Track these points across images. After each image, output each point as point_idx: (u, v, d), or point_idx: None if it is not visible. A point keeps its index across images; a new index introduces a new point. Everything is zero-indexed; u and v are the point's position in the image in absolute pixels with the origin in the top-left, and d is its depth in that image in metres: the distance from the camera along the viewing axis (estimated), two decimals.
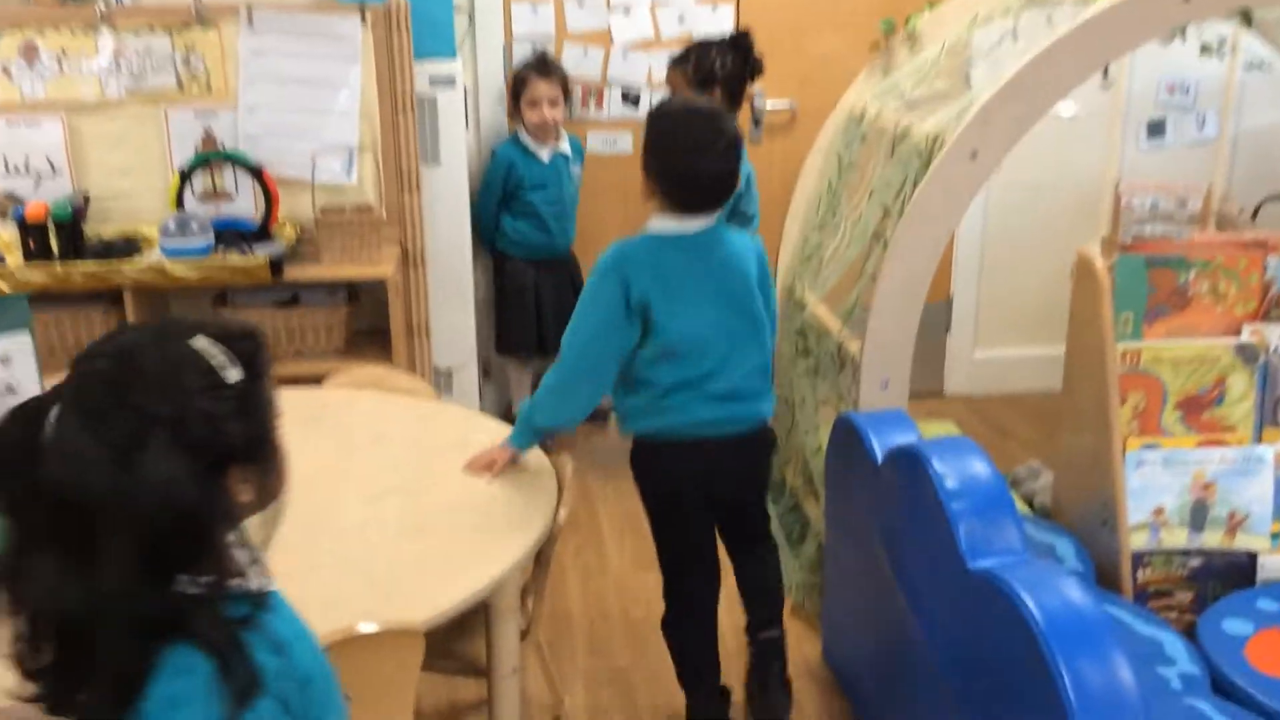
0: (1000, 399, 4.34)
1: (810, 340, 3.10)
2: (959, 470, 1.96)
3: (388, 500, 2.10)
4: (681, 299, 2.22)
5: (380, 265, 3.42)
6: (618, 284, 2.19)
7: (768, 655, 2.53)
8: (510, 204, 3.83)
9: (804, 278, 3.29)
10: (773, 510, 3.24)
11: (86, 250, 3.27)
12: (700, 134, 2.21)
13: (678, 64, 3.37)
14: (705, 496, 2.38)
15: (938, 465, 1.97)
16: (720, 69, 3.33)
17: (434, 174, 3.69)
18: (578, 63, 3.91)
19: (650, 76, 3.94)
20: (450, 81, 3.64)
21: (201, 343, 1.19)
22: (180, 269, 3.21)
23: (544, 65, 3.76)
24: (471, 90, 3.85)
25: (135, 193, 3.54)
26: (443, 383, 3.89)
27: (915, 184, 2.67)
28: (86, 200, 3.48)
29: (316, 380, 3.75)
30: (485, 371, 4.12)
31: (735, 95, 3.38)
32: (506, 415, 4.11)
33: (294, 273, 3.37)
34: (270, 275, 3.26)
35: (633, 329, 2.21)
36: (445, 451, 2.30)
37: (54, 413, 1.12)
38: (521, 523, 2.03)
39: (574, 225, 3.96)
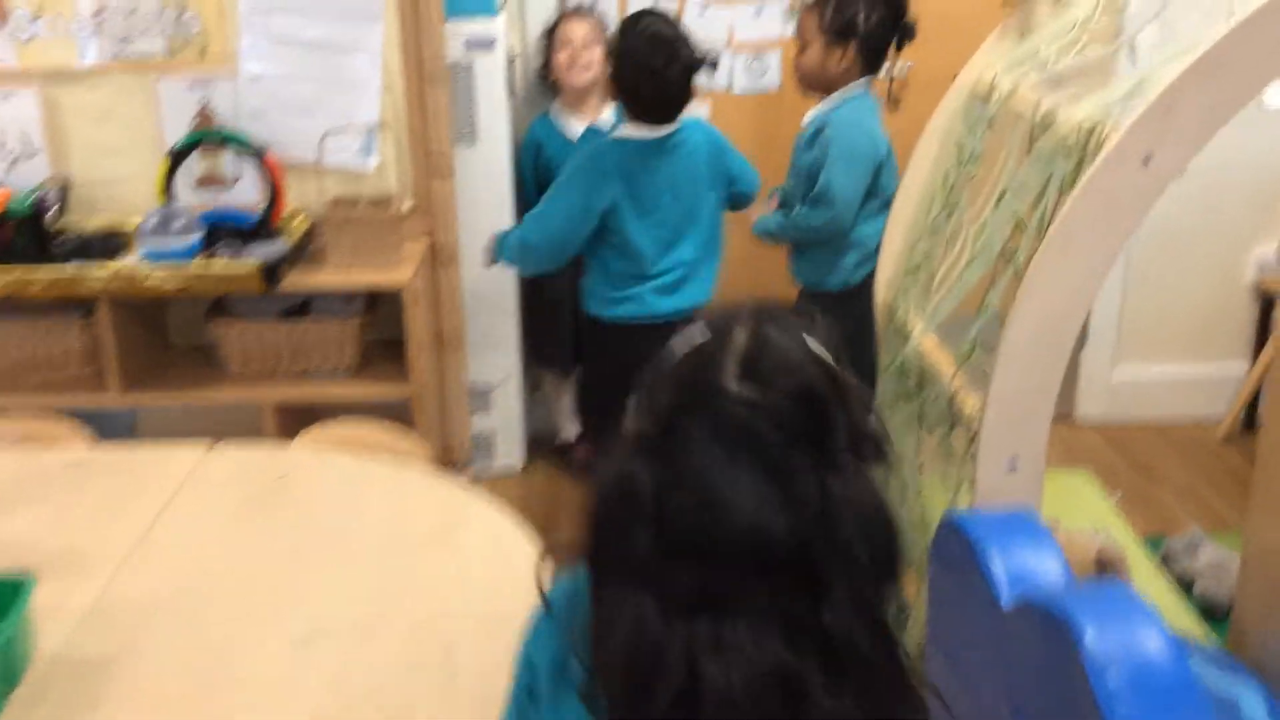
0: (1145, 428, 3.62)
1: (913, 381, 2.45)
2: (1124, 651, 1.33)
3: (318, 647, 1.54)
4: (641, 207, 2.62)
5: (397, 269, 2.86)
6: (591, 187, 2.60)
7: None
8: (545, 188, 3.22)
9: (909, 297, 2.63)
10: None
11: (57, 249, 2.78)
12: (656, 59, 2.55)
13: (814, 6, 2.75)
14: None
15: (1094, 643, 1.34)
16: (863, 22, 2.71)
17: (470, 156, 3.12)
18: None
19: (732, 37, 3.30)
20: (490, 44, 3.05)
21: None
22: (155, 277, 2.70)
23: (578, 9, 3.19)
24: (519, 55, 3.24)
25: (124, 177, 3.03)
26: (480, 402, 3.33)
27: (1062, 191, 2.00)
28: (66, 188, 2.99)
29: (322, 412, 3.24)
30: (535, 386, 3.55)
31: (873, 57, 2.75)
32: (550, 439, 3.54)
33: (296, 279, 2.83)
34: (262, 284, 2.73)
35: (595, 222, 2.63)
36: (416, 561, 1.74)
37: None
38: (494, 687, 1.45)
39: None
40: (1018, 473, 1.97)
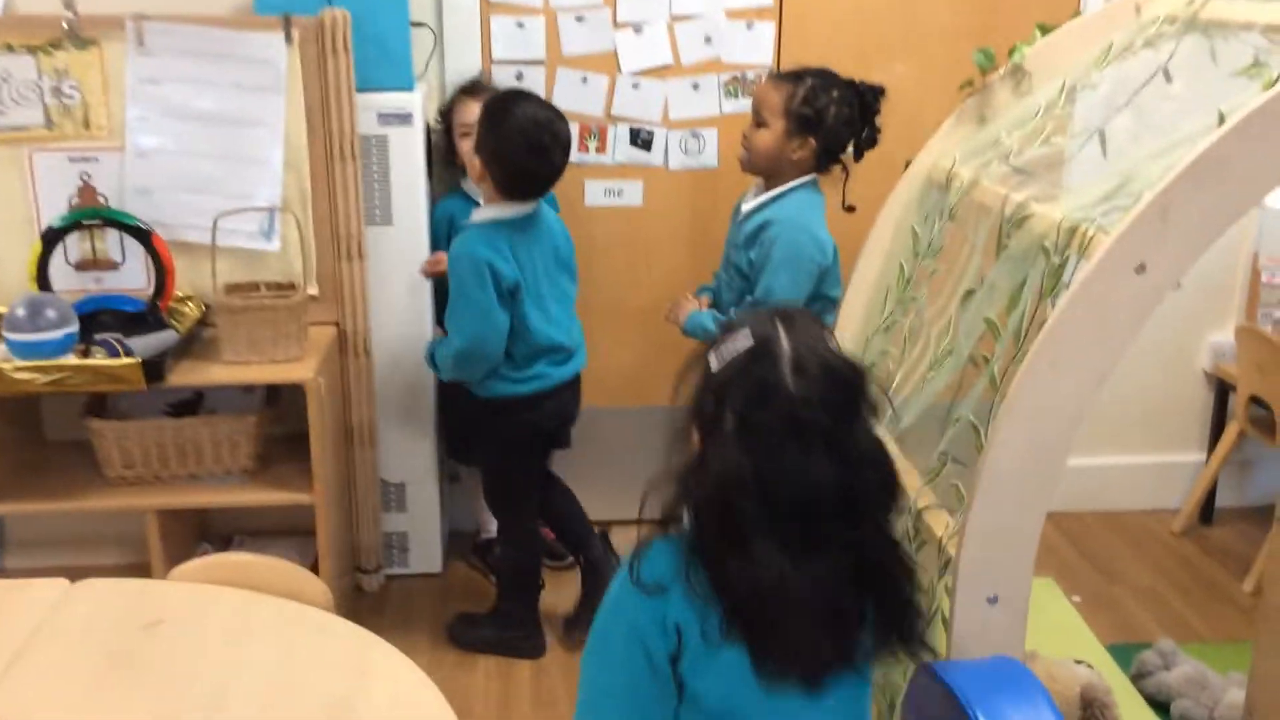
0: (1097, 518, 3.45)
1: None
2: None
3: None
4: (534, 282, 2.55)
5: (298, 364, 2.58)
6: (489, 278, 2.45)
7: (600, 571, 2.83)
8: None
9: None
10: None
11: None
12: (539, 138, 2.45)
13: (784, 82, 2.51)
14: (546, 435, 2.75)
15: None
16: (831, 117, 2.50)
17: (384, 237, 2.86)
18: (575, 94, 3.06)
19: (666, 112, 3.09)
20: (406, 118, 2.81)
21: None
22: (21, 373, 2.39)
23: (474, 86, 2.89)
24: (438, 130, 3.00)
25: None
26: (394, 500, 3.05)
27: (1042, 296, 1.81)
28: None
29: (215, 519, 2.98)
30: (453, 478, 3.28)
31: (831, 153, 2.55)
32: (470, 536, 3.26)
33: (185, 374, 2.54)
34: (144, 381, 2.43)
35: (506, 312, 2.50)
36: None
37: None
38: None
39: None
40: (999, 609, 1.76)
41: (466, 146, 2.85)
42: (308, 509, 2.63)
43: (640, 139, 3.13)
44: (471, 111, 2.83)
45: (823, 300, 2.52)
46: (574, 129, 3.05)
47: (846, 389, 1.29)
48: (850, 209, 2.60)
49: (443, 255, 2.74)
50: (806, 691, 1.31)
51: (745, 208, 2.57)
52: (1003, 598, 1.75)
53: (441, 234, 2.90)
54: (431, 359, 2.66)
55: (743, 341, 1.29)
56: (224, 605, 1.77)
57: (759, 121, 2.51)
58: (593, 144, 3.13)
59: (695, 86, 3.10)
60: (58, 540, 2.98)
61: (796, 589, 1.27)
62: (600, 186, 3.16)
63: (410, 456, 3.02)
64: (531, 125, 2.45)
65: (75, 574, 2.89)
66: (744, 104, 3.08)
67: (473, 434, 2.81)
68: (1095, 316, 1.66)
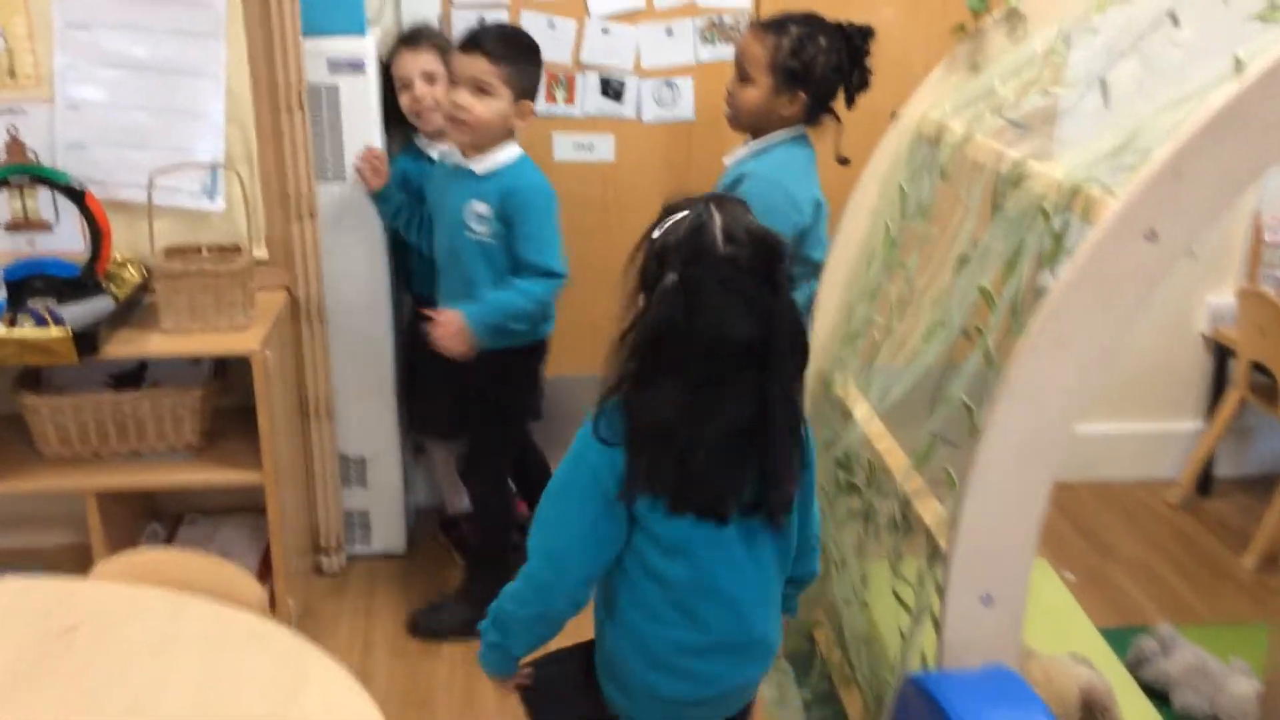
0: (1089, 488, 3.31)
1: (857, 474, 2.09)
2: None
3: None
4: None
5: (244, 333, 2.41)
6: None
7: None
8: (419, 229, 2.78)
9: (845, 367, 2.27)
10: (796, 693, 2.28)
11: None
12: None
13: (768, 32, 2.30)
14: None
15: None
16: (820, 65, 2.30)
17: (336, 193, 2.68)
18: (541, 40, 2.81)
19: (639, 60, 2.91)
20: (358, 66, 2.62)
21: None
22: None
23: (412, 35, 2.69)
24: None
25: None
26: (354, 474, 2.89)
27: (1042, 264, 1.66)
28: None
29: (159, 501, 2.83)
30: (419, 449, 3.12)
31: (821, 103, 2.36)
32: (436, 513, 3.11)
33: (123, 345, 2.37)
34: (75, 354, 2.26)
35: None
36: None
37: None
38: None
39: None
40: (994, 609, 1.62)
41: (407, 101, 2.66)
42: (260, 486, 2.47)
43: (611, 89, 2.95)
44: (411, 64, 2.64)
45: (801, 262, 2.33)
46: (542, 80, 2.88)
47: (769, 255, 1.45)
48: (844, 161, 2.41)
49: (378, 150, 2.65)
50: (715, 525, 1.51)
51: (726, 161, 2.40)
52: (998, 596, 1.61)
53: (394, 191, 2.71)
54: (506, 315, 2.41)
55: (681, 215, 1.48)
56: (149, 609, 1.61)
57: (744, 77, 2.32)
58: (560, 94, 2.95)
59: (669, 32, 2.92)
60: None
61: (692, 422, 1.46)
62: (569, 140, 2.98)
63: (371, 429, 2.86)
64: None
65: (13, 557, 2.78)
66: (722, 51, 2.90)
67: (482, 393, 2.61)
68: (1101, 288, 1.51)
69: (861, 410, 2.12)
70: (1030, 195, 1.74)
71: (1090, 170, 1.65)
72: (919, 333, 2.00)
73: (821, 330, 2.35)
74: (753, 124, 2.34)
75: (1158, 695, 2.32)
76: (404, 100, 2.66)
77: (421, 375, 2.85)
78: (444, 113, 2.46)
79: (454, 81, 2.40)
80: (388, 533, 2.97)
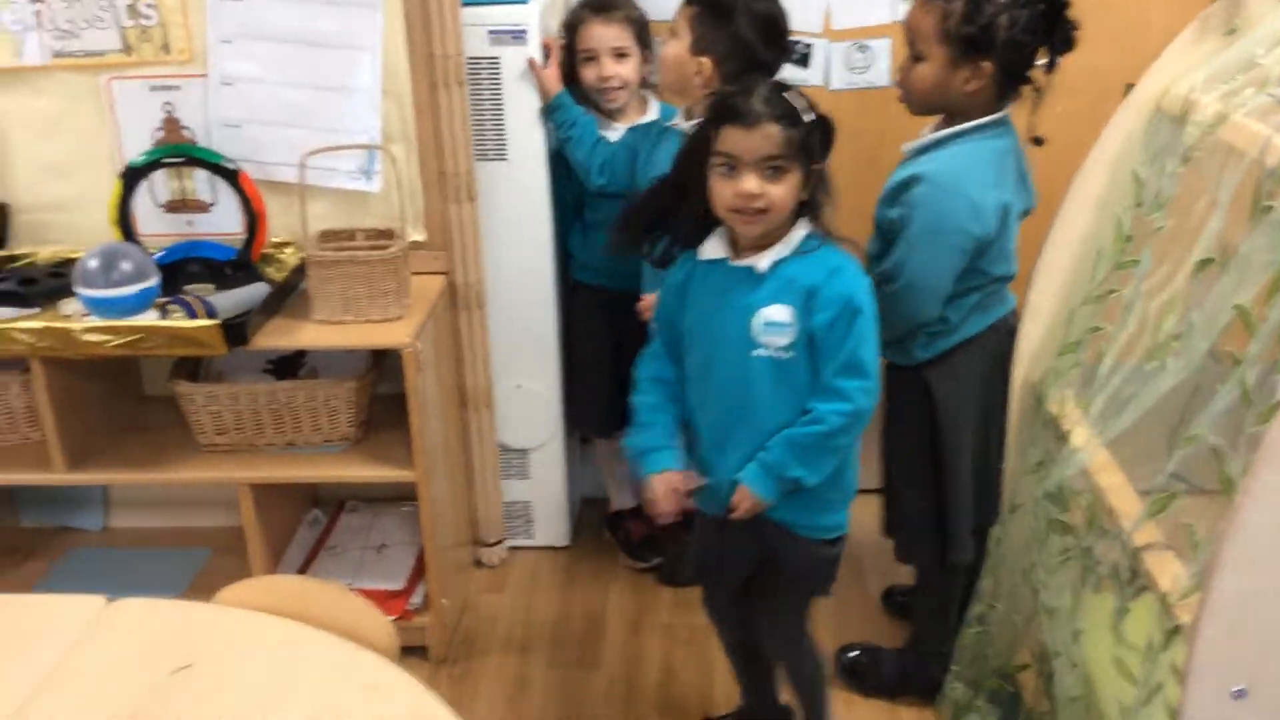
0: None
1: (1074, 513, 1.80)
2: None
3: None
4: None
5: (397, 324, 2.27)
6: None
7: None
8: (580, 212, 2.58)
9: (1064, 381, 1.97)
10: None
11: None
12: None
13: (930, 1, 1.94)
14: None
15: None
16: (1005, 27, 1.90)
17: (499, 174, 2.51)
18: None
19: (829, 20, 2.63)
20: (520, 35, 2.43)
21: None
22: (92, 334, 2.15)
23: (601, 2, 2.46)
24: (558, 47, 2.60)
25: (77, 201, 2.49)
26: (516, 467, 2.75)
27: None
28: (5, 213, 2.46)
29: (316, 492, 2.76)
30: (585, 440, 2.95)
31: (1014, 73, 1.95)
32: (602, 506, 2.93)
33: (274, 335, 2.27)
34: (224, 345, 2.16)
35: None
36: None
37: None
38: None
39: None
40: (1249, 707, 1.32)
41: (591, 73, 2.45)
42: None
43: (797, 53, 2.67)
44: (602, 35, 2.42)
45: (981, 277, 1.99)
46: None
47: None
48: (1039, 141, 2.03)
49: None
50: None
51: (905, 150, 2.05)
52: (1254, 692, 1.31)
53: (560, 171, 2.52)
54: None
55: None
56: (266, 646, 1.49)
57: (916, 54, 1.96)
58: None
59: None
60: (161, 501, 2.79)
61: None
62: None
63: (533, 420, 2.70)
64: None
65: (176, 537, 2.76)
66: None
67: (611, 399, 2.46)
68: None
69: (1081, 435, 1.82)
70: None
71: None
72: (1144, 345, 1.70)
73: (1033, 337, 2.05)
74: (937, 106, 1.98)
75: None
76: (588, 74, 2.45)
77: (580, 366, 2.67)
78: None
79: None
80: (550, 526, 2.82)
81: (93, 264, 2.18)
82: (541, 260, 2.58)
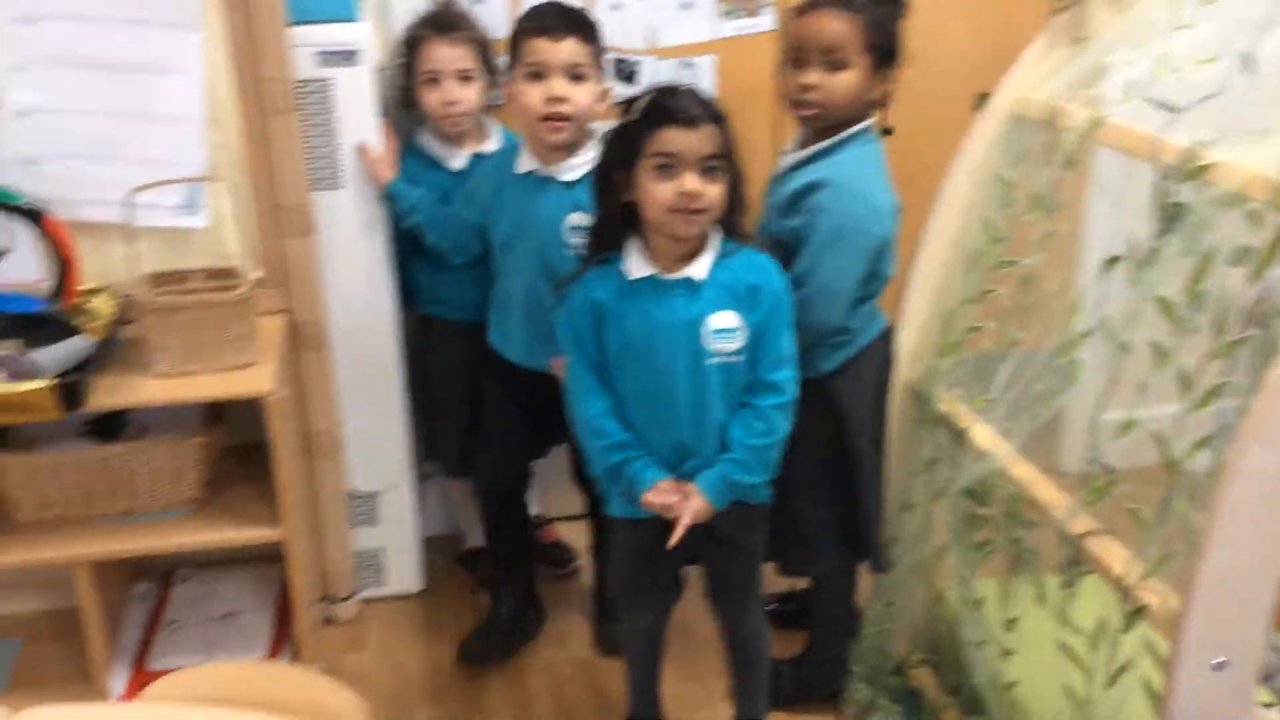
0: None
1: (992, 505, 1.87)
2: None
3: None
4: None
5: (252, 370, 2.09)
6: None
7: None
8: (417, 244, 2.41)
9: (948, 381, 2.04)
10: None
11: None
12: None
13: (846, 9, 1.92)
14: None
15: None
16: (899, 31, 1.97)
17: (335, 202, 2.35)
18: None
19: (655, 38, 2.62)
20: (350, 56, 2.28)
21: None
22: None
23: (444, 20, 2.33)
24: (387, 68, 2.47)
25: None
26: (364, 513, 2.58)
27: (1260, 274, 1.45)
28: None
29: (160, 564, 2.50)
30: (424, 477, 2.80)
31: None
32: (449, 546, 2.81)
33: (111, 394, 2.03)
34: (60, 409, 1.92)
35: None
36: None
37: None
38: None
39: None
40: (1226, 676, 1.41)
41: (433, 97, 2.33)
42: (275, 541, 2.16)
43: (624, 71, 2.66)
44: (446, 57, 2.30)
45: (877, 281, 2.01)
46: None
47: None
48: (888, 132, 2.06)
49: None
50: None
51: (786, 162, 2.04)
52: (1233, 662, 1.40)
53: (393, 208, 2.39)
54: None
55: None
56: None
57: (835, 64, 1.92)
58: None
59: (686, 6, 2.63)
60: None
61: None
62: None
63: (381, 460, 2.55)
64: None
65: None
66: (746, 24, 2.63)
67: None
68: None
69: (983, 432, 1.90)
70: (1217, 192, 1.53)
71: None
72: (1052, 343, 1.79)
73: (911, 339, 2.12)
74: (848, 114, 2.00)
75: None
76: (430, 97, 2.33)
77: (436, 404, 2.54)
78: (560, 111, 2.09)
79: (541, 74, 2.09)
80: (402, 572, 2.67)
81: None
82: (382, 293, 2.43)
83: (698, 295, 1.75)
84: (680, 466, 1.82)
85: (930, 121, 2.29)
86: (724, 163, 1.71)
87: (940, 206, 2.09)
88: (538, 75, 2.09)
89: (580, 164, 2.12)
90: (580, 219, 2.07)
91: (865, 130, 2.01)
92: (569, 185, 2.14)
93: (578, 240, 2.06)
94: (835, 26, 1.91)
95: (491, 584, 2.53)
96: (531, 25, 2.11)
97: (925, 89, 2.19)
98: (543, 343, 2.15)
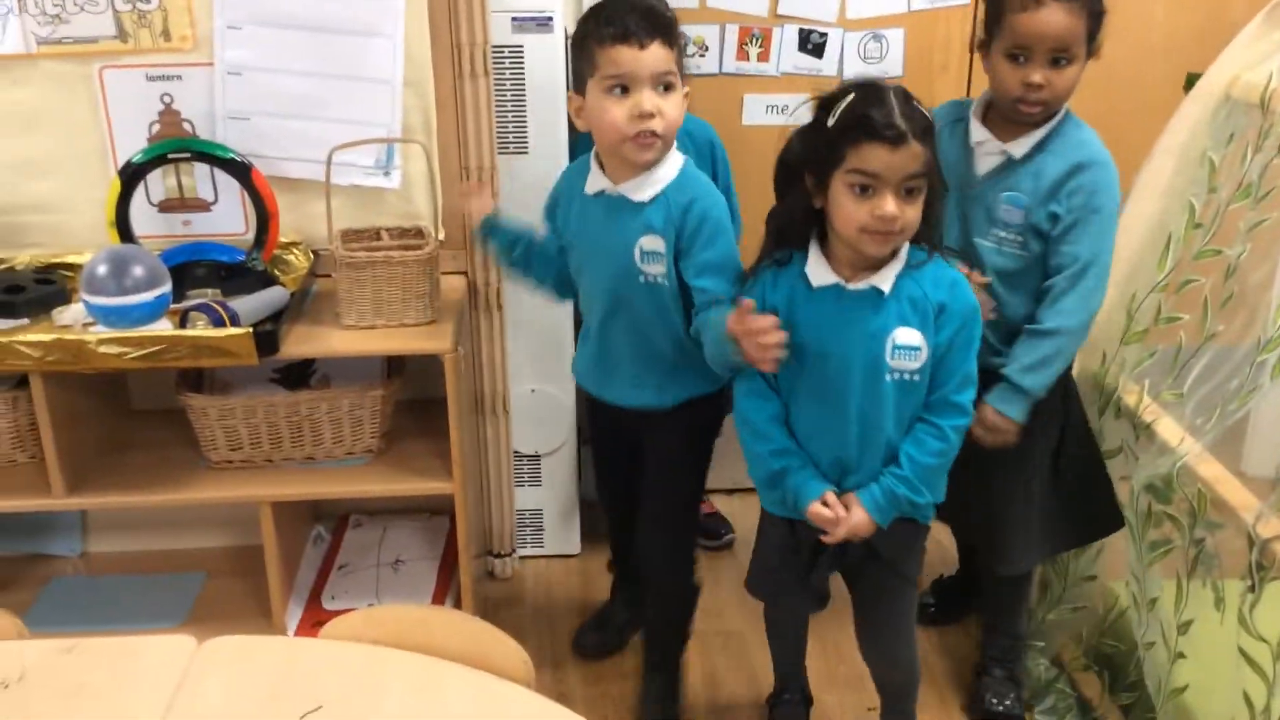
0: None
1: (1173, 504, 1.79)
2: None
3: None
4: None
5: (433, 328, 2.15)
6: None
7: None
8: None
9: (1130, 368, 1.97)
10: None
11: None
12: None
13: (1071, 1, 1.83)
14: None
15: None
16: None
17: (520, 169, 2.40)
18: None
19: (844, 8, 2.59)
20: (545, 23, 2.33)
21: None
22: (108, 346, 1.97)
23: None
24: None
25: (60, 201, 2.30)
26: (528, 474, 2.64)
27: None
28: None
29: (340, 507, 2.63)
30: (588, 442, 2.84)
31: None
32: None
33: (301, 343, 2.12)
34: (256, 354, 2.01)
35: None
36: None
37: None
38: None
39: None
40: None
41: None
42: (445, 494, 2.22)
43: (811, 43, 2.63)
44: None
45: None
46: (732, 32, 2.58)
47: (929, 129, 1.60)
48: None
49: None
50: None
51: (1018, 151, 1.91)
52: None
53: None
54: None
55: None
56: (396, 681, 1.37)
57: (1059, 60, 1.83)
58: (753, 50, 2.63)
59: None
60: (144, 523, 2.58)
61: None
62: (761, 102, 2.67)
63: (546, 424, 2.60)
64: None
65: (167, 560, 2.57)
66: None
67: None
68: None
69: (1170, 427, 1.82)
70: None
71: None
72: (1252, 341, 1.70)
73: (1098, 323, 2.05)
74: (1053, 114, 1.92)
75: None
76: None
77: None
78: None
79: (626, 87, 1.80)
80: (561, 533, 2.72)
81: (101, 270, 2.00)
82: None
83: (883, 308, 1.67)
84: (841, 482, 1.75)
85: (1132, 102, 2.20)
86: (925, 180, 1.61)
87: (1138, 189, 2.01)
88: (622, 88, 1.80)
89: (656, 181, 1.86)
90: (652, 243, 1.87)
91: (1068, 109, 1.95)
92: (640, 206, 1.87)
93: (651, 269, 1.88)
94: (1066, 23, 1.82)
95: (613, 580, 2.53)
96: (610, 31, 1.78)
97: (1129, 71, 2.10)
98: (611, 378, 2.02)
